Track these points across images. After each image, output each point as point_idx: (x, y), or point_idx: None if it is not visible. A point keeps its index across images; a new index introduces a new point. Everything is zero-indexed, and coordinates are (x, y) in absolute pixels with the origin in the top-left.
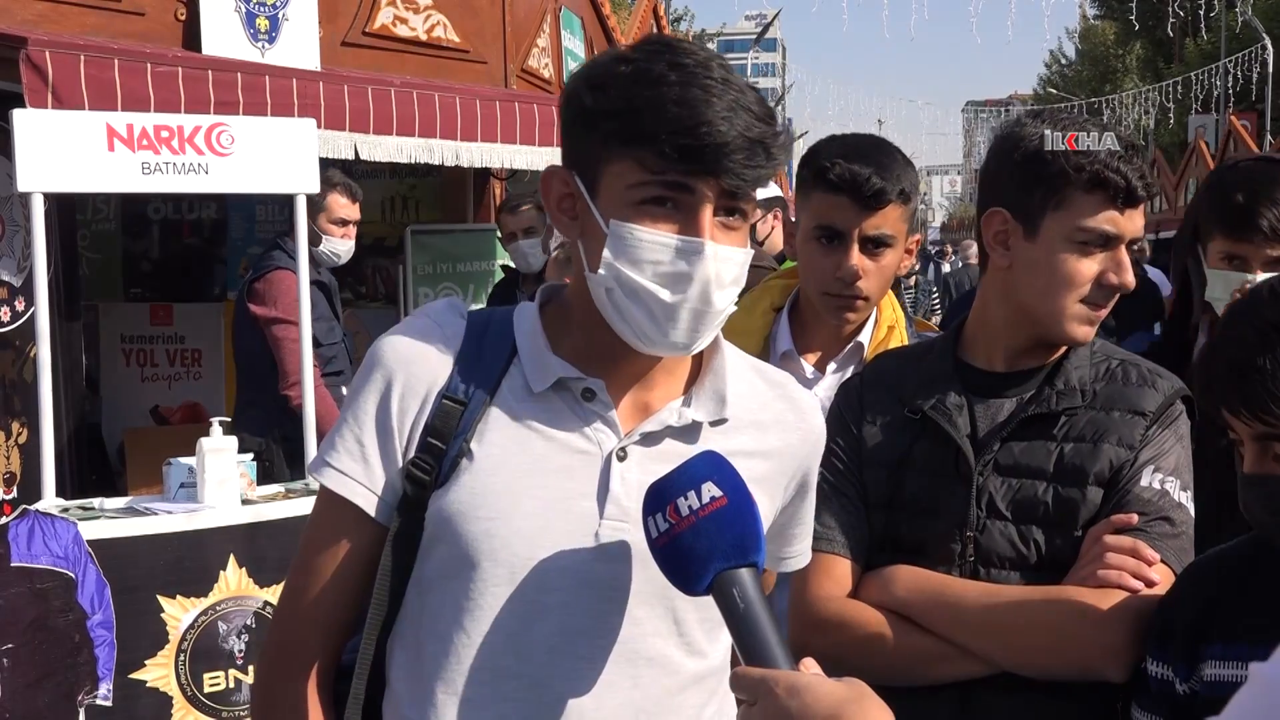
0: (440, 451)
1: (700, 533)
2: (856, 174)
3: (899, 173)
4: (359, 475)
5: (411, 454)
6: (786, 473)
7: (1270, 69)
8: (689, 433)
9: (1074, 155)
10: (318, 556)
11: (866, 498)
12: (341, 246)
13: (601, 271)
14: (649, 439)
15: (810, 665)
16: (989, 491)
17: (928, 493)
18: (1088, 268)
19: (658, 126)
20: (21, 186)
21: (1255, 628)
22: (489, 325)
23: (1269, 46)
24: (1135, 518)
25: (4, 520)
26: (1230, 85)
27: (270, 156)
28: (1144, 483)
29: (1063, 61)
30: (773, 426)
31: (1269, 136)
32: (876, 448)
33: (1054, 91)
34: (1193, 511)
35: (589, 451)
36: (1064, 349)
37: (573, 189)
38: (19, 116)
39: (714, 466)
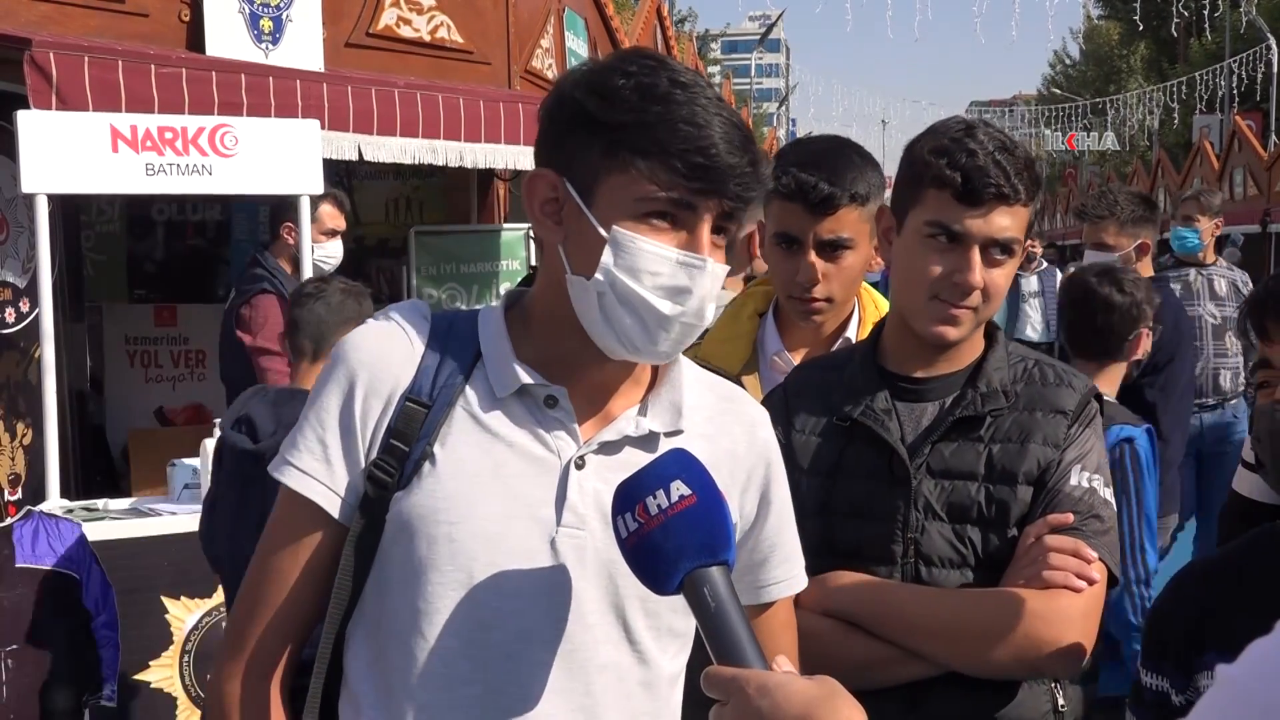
0: (403, 454)
1: (670, 531)
2: (804, 181)
3: (853, 176)
4: (321, 475)
5: (374, 455)
6: (737, 483)
7: (1275, 69)
8: (646, 442)
9: (931, 153)
10: (277, 555)
11: (802, 506)
12: (333, 249)
13: (599, 277)
14: (607, 448)
15: (782, 663)
16: (924, 494)
17: (862, 497)
18: (934, 264)
19: (671, 143)
20: (26, 188)
21: (1251, 635)
22: (452, 327)
23: (1274, 46)
24: (1071, 517)
25: (9, 521)
26: (1235, 85)
27: (274, 158)
28: (1073, 482)
29: (1067, 62)
30: (720, 437)
31: (1274, 136)
32: (807, 457)
33: (1058, 92)
34: (1115, 506)
35: (548, 459)
36: (981, 351)
37: (560, 193)
38: (23, 118)
39: (683, 465)
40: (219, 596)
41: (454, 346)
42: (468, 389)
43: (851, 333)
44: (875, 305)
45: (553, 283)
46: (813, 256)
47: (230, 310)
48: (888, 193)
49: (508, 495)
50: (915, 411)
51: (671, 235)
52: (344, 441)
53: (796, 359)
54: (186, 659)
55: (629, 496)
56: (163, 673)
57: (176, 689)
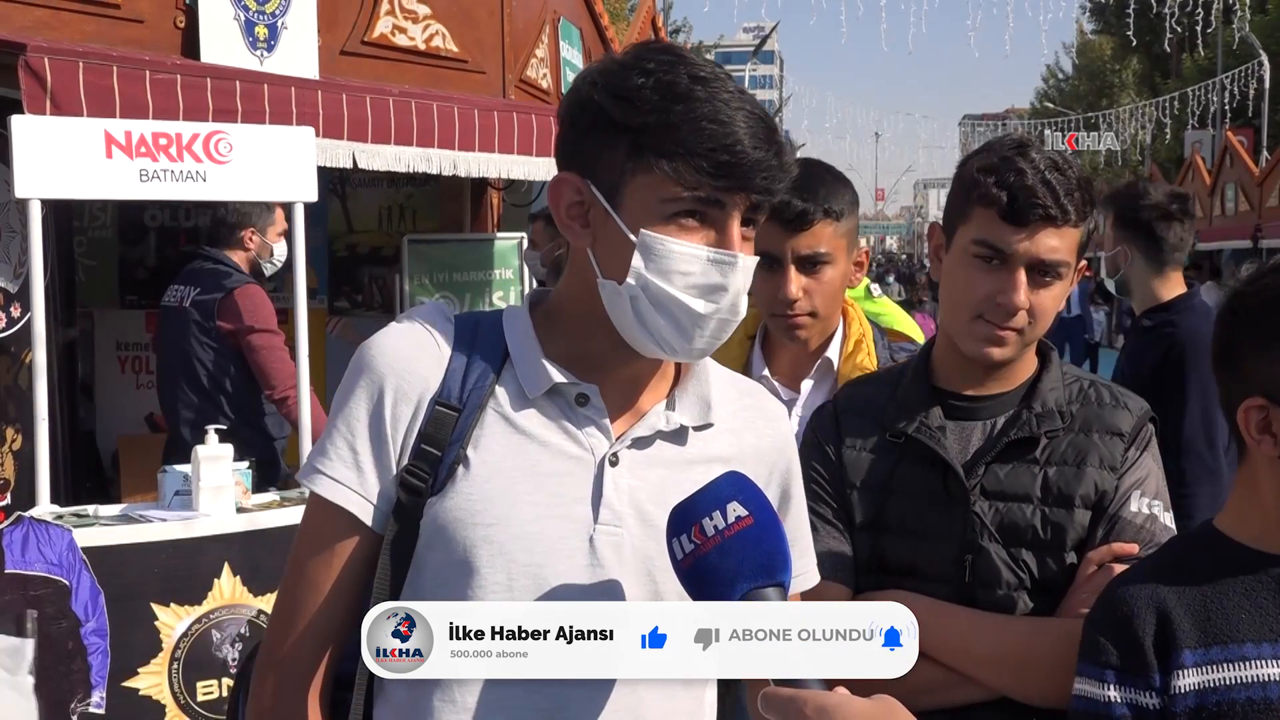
0: (435, 459)
1: (726, 552)
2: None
3: (825, 193)
4: (353, 483)
5: (405, 461)
6: (760, 478)
7: (1267, 85)
8: (677, 436)
9: (981, 170)
10: (311, 565)
11: (851, 521)
12: (279, 250)
13: (630, 281)
14: (640, 443)
15: (842, 689)
16: (978, 515)
17: (916, 516)
18: (981, 284)
19: (696, 143)
20: (19, 193)
21: (1223, 628)
22: (478, 328)
23: (1266, 63)
24: (1136, 547)
25: None
26: (1227, 101)
27: (268, 165)
28: (1133, 508)
29: (1060, 76)
30: (745, 432)
31: (1265, 152)
32: (859, 472)
33: (1051, 106)
34: (1176, 532)
35: (582, 457)
36: (1034, 370)
37: (585, 196)
38: (17, 123)
39: (739, 487)
40: (209, 604)
41: (481, 347)
42: (498, 390)
43: (834, 351)
44: (859, 321)
45: (583, 284)
46: (792, 273)
47: (204, 305)
48: (861, 209)
49: (543, 495)
50: (965, 430)
51: (700, 234)
52: (375, 448)
53: (780, 382)
54: (176, 666)
55: (685, 518)
56: (152, 680)
57: (165, 696)
